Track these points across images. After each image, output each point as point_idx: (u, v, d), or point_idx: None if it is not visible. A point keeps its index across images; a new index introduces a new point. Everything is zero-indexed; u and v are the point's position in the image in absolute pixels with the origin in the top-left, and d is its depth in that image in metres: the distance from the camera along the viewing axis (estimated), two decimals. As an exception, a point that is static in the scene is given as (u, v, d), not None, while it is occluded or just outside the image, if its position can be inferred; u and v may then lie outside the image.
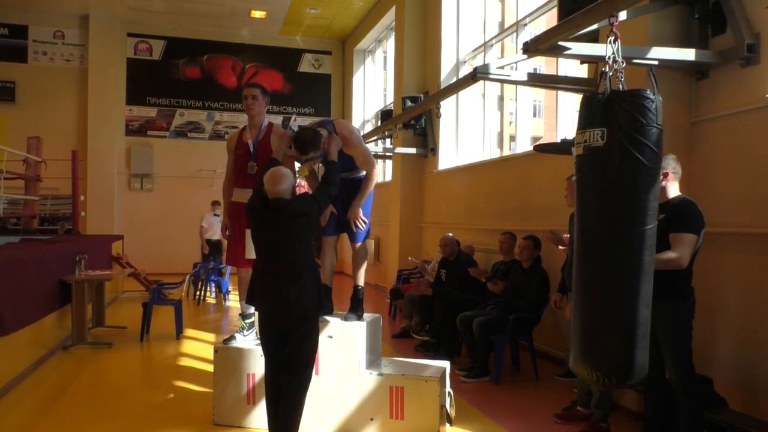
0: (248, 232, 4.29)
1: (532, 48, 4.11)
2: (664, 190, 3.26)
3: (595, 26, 3.78)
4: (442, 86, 8.93)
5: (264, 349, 3.62)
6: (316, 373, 4.06)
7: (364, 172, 4.27)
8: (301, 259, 3.48)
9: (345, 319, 4.16)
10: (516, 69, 5.32)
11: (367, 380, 4.04)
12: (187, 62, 14.41)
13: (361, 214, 4.15)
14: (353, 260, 4.41)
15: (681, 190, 3.48)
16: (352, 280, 4.40)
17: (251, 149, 4.39)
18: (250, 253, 4.29)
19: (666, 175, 3.24)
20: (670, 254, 3.17)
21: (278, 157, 4.06)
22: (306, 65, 15.12)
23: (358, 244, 4.30)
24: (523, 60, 4.95)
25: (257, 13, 13.29)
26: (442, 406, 4.02)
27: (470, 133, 9.36)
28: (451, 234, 6.88)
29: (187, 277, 9.80)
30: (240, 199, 4.44)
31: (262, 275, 3.54)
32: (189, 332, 7.39)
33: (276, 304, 3.46)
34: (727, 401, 3.71)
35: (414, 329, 6.84)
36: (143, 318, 7.07)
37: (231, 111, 14.52)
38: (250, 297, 3.64)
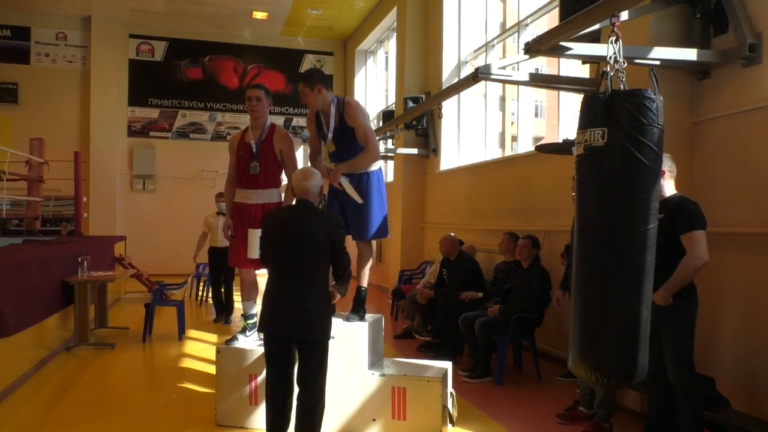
0: (251, 231, 4.30)
1: (533, 48, 4.11)
2: (660, 188, 3.26)
3: (596, 26, 3.78)
4: (444, 87, 8.93)
5: (270, 358, 3.44)
6: (318, 374, 4.07)
7: (372, 168, 4.25)
8: (322, 270, 3.42)
9: (347, 319, 4.16)
10: (518, 69, 5.32)
11: (370, 381, 4.04)
12: (189, 63, 14.43)
13: (341, 179, 4.09)
14: (357, 261, 4.39)
15: (683, 190, 3.49)
16: (356, 281, 4.39)
17: (254, 150, 4.40)
18: (252, 253, 4.30)
19: (662, 173, 3.24)
20: (690, 260, 3.20)
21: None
22: (308, 66, 15.11)
23: (363, 244, 4.29)
24: (525, 60, 4.95)
25: (259, 14, 13.30)
26: (445, 407, 4.02)
27: (472, 134, 9.36)
28: (452, 234, 6.87)
29: (189, 277, 9.81)
30: (242, 199, 4.45)
31: (278, 282, 3.41)
32: (191, 333, 7.40)
33: (292, 312, 3.33)
34: (730, 401, 3.71)
35: (416, 330, 6.84)
36: (146, 319, 7.08)
37: (233, 112, 14.52)
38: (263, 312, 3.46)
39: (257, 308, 4.53)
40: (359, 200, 4.15)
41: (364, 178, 4.23)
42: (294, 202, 3.57)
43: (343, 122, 4.16)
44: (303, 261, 3.37)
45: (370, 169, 4.25)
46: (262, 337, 3.60)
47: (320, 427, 3.44)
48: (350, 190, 4.15)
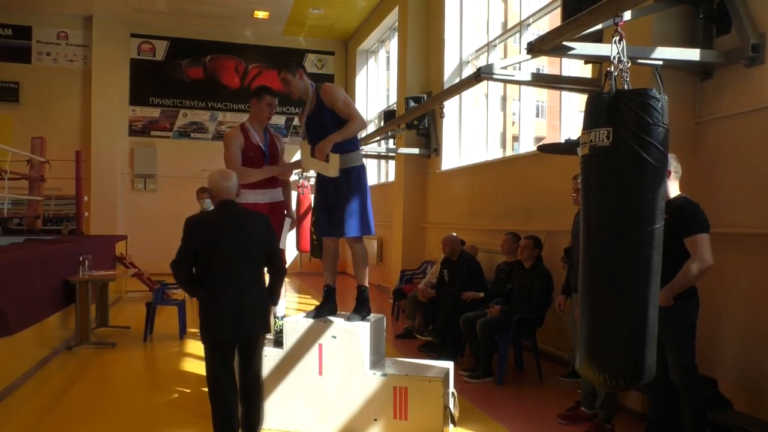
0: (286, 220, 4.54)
1: (536, 48, 4.10)
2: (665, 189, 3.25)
3: (599, 26, 3.77)
4: (446, 86, 8.93)
5: (224, 366, 3.44)
6: (320, 374, 4.08)
7: (356, 163, 4.20)
8: (261, 267, 3.52)
9: (348, 319, 4.15)
10: (519, 69, 5.31)
11: (371, 380, 4.04)
12: (191, 63, 14.42)
13: (327, 150, 4.04)
14: (353, 261, 4.37)
15: (685, 191, 3.49)
16: (356, 281, 4.37)
17: (265, 152, 4.46)
18: (282, 244, 4.33)
19: (668, 174, 3.23)
20: (694, 264, 3.20)
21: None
22: (309, 66, 15.09)
23: (355, 243, 4.26)
24: (527, 60, 4.95)
25: (260, 14, 13.30)
26: (446, 407, 4.02)
27: (473, 134, 9.35)
28: (454, 234, 6.86)
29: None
30: (254, 200, 4.43)
31: (221, 286, 3.39)
32: (192, 332, 7.39)
33: (243, 314, 3.39)
34: (732, 402, 3.71)
35: (417, 329, 6.84)
36: (147, 318, 7.09)
37: (234, 111, 14.51)
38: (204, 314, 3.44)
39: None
40: (336, 174, 4.09)
41: (350, 174, 4.15)
42: (217, 204, 3.52)
43: (319, 104, 4.19)
44: (247, 262, 3.41)
45: (357, 164, 4.20)
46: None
47: None
48: (335, 163, 4.08)
